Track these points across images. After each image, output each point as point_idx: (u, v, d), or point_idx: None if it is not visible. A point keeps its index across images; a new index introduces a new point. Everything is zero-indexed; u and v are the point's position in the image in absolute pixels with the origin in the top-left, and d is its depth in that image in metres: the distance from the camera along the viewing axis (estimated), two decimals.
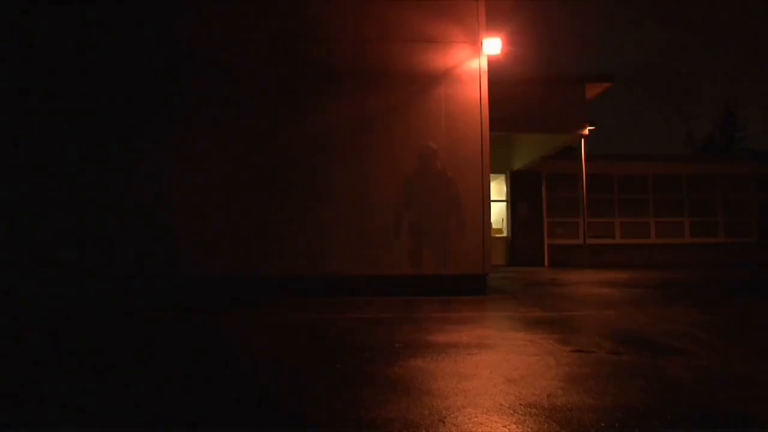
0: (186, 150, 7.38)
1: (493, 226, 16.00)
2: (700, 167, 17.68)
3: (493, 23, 8.31)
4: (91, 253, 7.15)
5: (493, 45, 7.60)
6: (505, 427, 2.30)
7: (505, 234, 16.74)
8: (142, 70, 7.52)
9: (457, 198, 7.45)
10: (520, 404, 2.53)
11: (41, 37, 7.53)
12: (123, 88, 7.47)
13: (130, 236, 7.21)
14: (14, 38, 7.53)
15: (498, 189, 17.20)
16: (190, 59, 7.55)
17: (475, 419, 2.33)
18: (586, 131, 12.49)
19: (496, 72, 8.83)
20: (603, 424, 2.25)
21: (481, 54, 7.60)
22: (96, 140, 7.35)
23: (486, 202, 7.43)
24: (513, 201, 16.49)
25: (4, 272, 7.05)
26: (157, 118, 7.45)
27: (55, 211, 7.23)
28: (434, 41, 7.63)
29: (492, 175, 9.09)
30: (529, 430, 2.23)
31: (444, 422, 2.29)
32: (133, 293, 7.00)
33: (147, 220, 7.25)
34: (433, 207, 7.42)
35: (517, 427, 2.28)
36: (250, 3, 7.74)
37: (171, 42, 7.59)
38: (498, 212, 17.00)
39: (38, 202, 7.26)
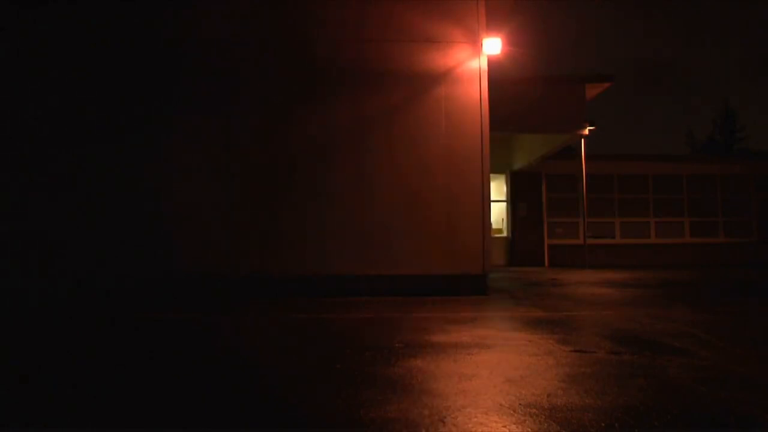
0: (186, 149, 7.38)
1: (493, 226, 16.00)
2: (700, 167, 17.66)
3: (493, 23, 8.32)
4: (92, 253, 7.14)
5: (493, 45, 7.60)
6: (505, 427, 2.30)
7: (505, 234, 16.73)
8: (143, 70, 7.52)
9: (457, 198, 7.45)
10: (520, 404, 2.54)
11: (38, 37, 7.52)
12: (122, 88, 7.47)
13: (130, 236, 7.21)
14: (11, 38, 7.52)
15: (498, 189, 17.19)
16: (191, 59, 7.55)
17: (475, 419, 2.33)
18: (586, 131, 12.48)
19: (496, 72, 8.83)
20: (603, 424, 2.25)
21: (481, 54, 7.60)
22: (94, 140, 7.34)
23: (486, 202, 7.43)
24: (513, 201, 16.48)
25: (3, 271, 7.05)
26: (156, 118, 7.44)
27: (52, 211, 7.23)
28: (434, 41, 7.63)
29: (492, 175, 9.08)
30: (529, 430, 2.23)
31: (444, 422, 2.29)
32: (132, 293, 7.00)
33: (146, 220, 7.24)
34: (433, 207, 7.42)
35: (517, 427, 2.28)
36: (250, 4, 7.74)
37: (172, 41, 7.59)
38: (498, 212, 16.99)
39: (34, 202, 7.25)
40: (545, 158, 15.28)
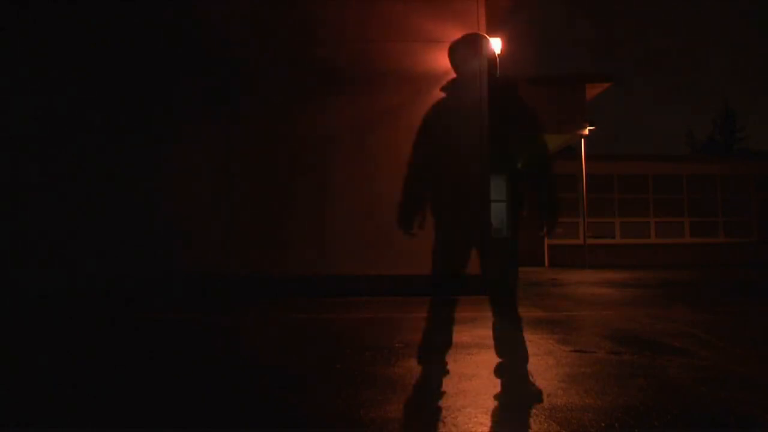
0: (186, 149, 7.37)
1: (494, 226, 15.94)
2: (700, 167, 17.65)
3: (493, 23, 8.31)
4: (92, 253, 7.14)
5: (493, 45, 7.60)
6: (505, 427, 2.30)
7: (505, 234, 16.73)
8: (143, 70, 7.52)
9: (457, 198, 7.45)
10: (520, 404, 2.53)
11: (38, 37, 7.51)
12: (122, 88, 7.47)
13: (130, 235, 7.21)
14: (11, 38, 7.52)
15: (498, 189, 17.18)
16: (191, 59, 7.55)
17: (475, 419, 2.33)
18: (586, 131, 12.48)
19: None
20: (603, 424, 2.25)
21: (482, 54, 7.59)
22: (94, 140, 7.34)
23: (486, 202, 7.42)
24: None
25: (3, 270, 7.04)
26: (156, 118, 7.44)
27: (52, 211, 7.22)
28: (435, 41, 7.63)
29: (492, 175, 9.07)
30: (529, 430, 2.23)
31: (444, 422, 2.29)
32: (132, 293, 6.99)
33: (146, 220, 7.24)
34: (433, 206, 7.41)
35: (517, 428, 2.28)
36: (251, 4, 7.73)
37: (172, 41, 7.58)
38: (498, 212, 16.97)
39: (34, 202, 7.24)
40: None
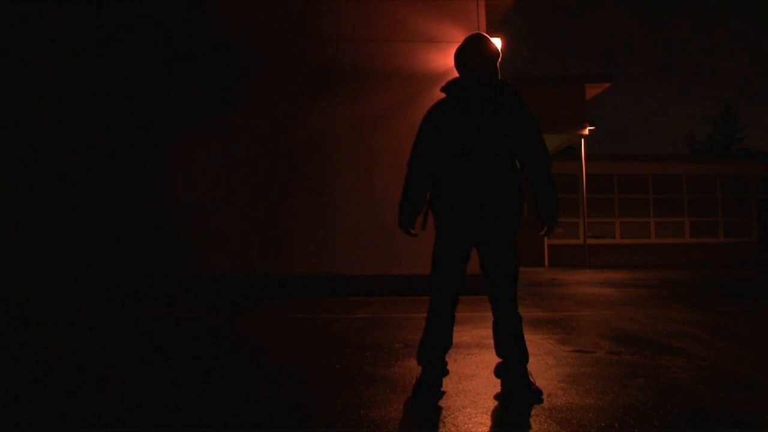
0: (189, 150, 7.36)
1: None
2: (700, 167, 17.65)
3: (493, 23, 8.32)
4: (93, 253, 7.14)
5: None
6: (504, 427, 2.30)
7: None
8: (144, 70, 7.52)
9: None
10: (520, 404, 2.53)
11: (38, 37, 7.51)
12: (124, 87, 7.47)
13: (132, 234, 7.20)
14: (11, 38, 7.51)
15: None
16: (193, 59, 7.55)
17: (475, 419, 2.33)
18: (586, 131, 12.48)
19: None
20: (603, 424, 2.25)
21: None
22: (96, 140, 7.34)
23: None
24: None
25: (6, 270, 7.04)
26: (159, 117, 7.44)
27: (52, 212, 7.22)
28: (435, 41, 7.64)
29: None
30: (530, 430, 2.23)
31: (444, 422, 2.29)
32: (133, 291, 6.99)
33: (148, 218, 7.24)
34: None
35: (516, 428, 2.28)
36: (252, 4, 7.73)
37: (173, 41, 7.58)
38: None
39: (35, 203, 7.24)
40: None
